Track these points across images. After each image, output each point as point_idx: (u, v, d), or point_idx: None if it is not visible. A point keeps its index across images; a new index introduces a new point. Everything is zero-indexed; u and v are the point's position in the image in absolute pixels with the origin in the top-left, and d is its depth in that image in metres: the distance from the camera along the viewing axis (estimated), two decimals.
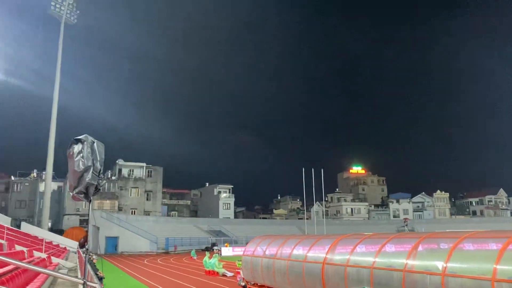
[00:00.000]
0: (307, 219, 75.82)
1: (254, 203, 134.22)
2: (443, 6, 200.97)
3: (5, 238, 23.20)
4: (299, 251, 15.44)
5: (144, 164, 78.92)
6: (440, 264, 9.50)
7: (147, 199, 77.73)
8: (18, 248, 22.21)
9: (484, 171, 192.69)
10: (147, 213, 75.81)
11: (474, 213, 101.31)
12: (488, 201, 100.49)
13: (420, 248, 10.88)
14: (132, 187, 76.30)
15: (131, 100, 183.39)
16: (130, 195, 75.83)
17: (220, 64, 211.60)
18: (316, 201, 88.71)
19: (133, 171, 77.71)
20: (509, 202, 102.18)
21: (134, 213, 73.70)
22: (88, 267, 8.14)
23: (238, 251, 44.06)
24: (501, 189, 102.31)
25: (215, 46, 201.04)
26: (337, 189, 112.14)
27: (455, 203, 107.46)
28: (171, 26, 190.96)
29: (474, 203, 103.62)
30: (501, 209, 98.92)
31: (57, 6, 57.16)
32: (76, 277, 5.00)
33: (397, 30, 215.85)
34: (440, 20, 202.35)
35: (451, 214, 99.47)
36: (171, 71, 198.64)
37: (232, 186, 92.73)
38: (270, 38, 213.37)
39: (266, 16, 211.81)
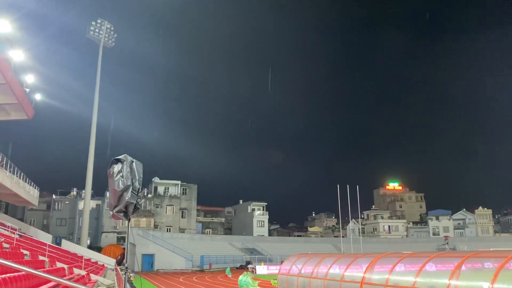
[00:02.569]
0: (342, 237, 74.45)
1: (289, 220, 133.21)
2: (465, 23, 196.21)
3: (46, 255, 23.90)
4: (335, 270, 15.13)
5: (179, 182, 79.94)
6: (485, 285, 9.07)
7: (182, 217, 78.49)
8: (59, 265, 22.82)
9: None
10: (182, 230, 76.46)
11: None
12: None
13: (463, 267, 10.44)
14: (167, 205, 77.31)
15: (166, 120, 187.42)
16: (166, 213, 76.78)
17: (252, 83, 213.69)
18: (351, 219, 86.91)
19: (168, 189, 78.81)
20: None
21: (169, 231, 74.47)
22: (127, 285, 8.26)
23: (273, 269, 43.65)
24: None
25: (246, 66, 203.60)
26: (373, 206, 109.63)
27: (498, 220, 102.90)
28: (205, 47, 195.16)
29: None
30: None
31: (96, 30, 59.58)
32: None
33: (431, 45, 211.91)
34: (469, 35, 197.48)
35: (495, 231, 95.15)
36: (204, 91, 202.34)
37: (266, 203, 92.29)
38: (301, 56, 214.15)
39: (297, 33, 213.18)
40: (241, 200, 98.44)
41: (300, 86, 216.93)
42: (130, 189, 5.81)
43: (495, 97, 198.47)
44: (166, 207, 77.07)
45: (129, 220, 6.22)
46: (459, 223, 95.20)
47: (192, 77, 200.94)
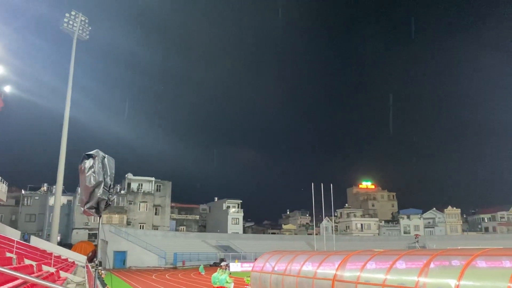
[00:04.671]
0: (316, 234, 75.18)
1: (263, 218, 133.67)
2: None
3: (14, 252, 23.26)
4: (308, 268, 15.27)
5: (153, 179, 79.12)
6: (452, 282, 9.33)
7: (155, 214, 77.71)
8: (27, 262, 22.24)
9: (496, 186, 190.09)
10: (155, 227, 75.71)
11: (487, 229, 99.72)
12: (501, 217, 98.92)
13: (432, 265, 10.70)
14: (140, 202, 76.40)
15: (140, 115, 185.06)
16: (139, 210, 75.88)
17: (229, 80, 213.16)
18: (325, 217, 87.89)
19: (141, 186, 77.90)
20: None
21: (143, 228, 73.65)
22: (97, 282, 8.11)
23: (247, 266, 43.74)
24: None
25: (223, 64, 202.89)
26: (346, 205, 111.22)
27: (467, 219, 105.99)
28: (184, 42, 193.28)
29: (486, 219, 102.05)
30: None
31: (70, 22, 58.12)
32: None
33: (406, 44, 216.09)
34: (445, 37, 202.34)
35: (463, 230, 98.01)
36: (179, 87, 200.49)
37: (241, 201, 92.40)
38: (278, 55, 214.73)
39: (275, 33, 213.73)
40: (216, 198, 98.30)
41: (276, 85, 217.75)
42: (102, 185, 5.70)
43: (467, 99, 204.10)
44: (139, 204, 76.15)
45: (100, 216, 6.11)
46: (429, 222, 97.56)
47: (169, 73, 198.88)
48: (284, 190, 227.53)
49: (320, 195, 63.91)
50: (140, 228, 73.18)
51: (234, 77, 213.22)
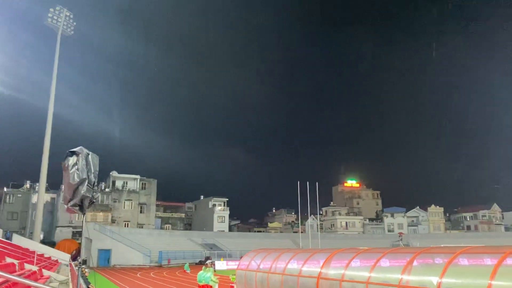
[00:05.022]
0: (301, 232, 75.57)
1: (249, 216, 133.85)
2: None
3: None
4: (293, 265, 15.34)
5: (138, 177, 78.59)
6: (435, 280, 9.46)
7: (140, 212, 77.22)
8: (8, 260, 21.87)
9: (478, 186, 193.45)
10: (140, 226, 75.23)
11: (469, 227, 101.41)
12: (482, 216, 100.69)
13: (415, 263, 10.84)
14: (125, 200, 75.83)
15: (126, 112, 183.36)
16: (124, 208, 75.29)
17: (216, 78, 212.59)
18: (311, 215, 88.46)
19: (127, 183, 77.32)
20: (502, 217, 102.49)
21: (127, 226, 73.13)
22: (80, 280, 8.03)
23: (232, 265, 43.75)
24: (495, 204, 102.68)
25: (208, 62, 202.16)
26: (331, 203, 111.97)
27: (449, 217, 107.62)
28: (172, 39, 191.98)
29: (468, 218, 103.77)
30: (495, 224, 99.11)
31: (54, 17, 57.23)
32: None
33: (390, 45, 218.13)
34: (430, 34, 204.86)
35: (446, 228, 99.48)
36: (166, 84, 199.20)
37: (227, 199, 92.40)
38: (265, 56, 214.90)
39: (260, 32, 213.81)
40: (202, 196, 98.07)
41: (263, 84, 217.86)
42: (86, 183, 5.64)
43: (450, 100, 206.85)
44: (124, 202, 75.57)
45: (84, 214, 6.05)
46: (413, 220, 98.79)
47: (156, 69, 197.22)
48: (270, 188, 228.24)
49: (305, 193, 64.28)
50: (125, 226, 72.66)
51: (221, 75, 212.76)
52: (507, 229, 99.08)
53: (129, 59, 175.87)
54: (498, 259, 8.63)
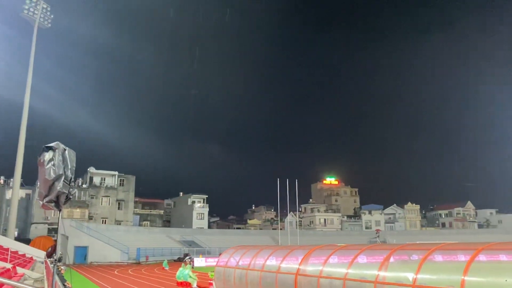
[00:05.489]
0: (281, 229, 75.91)
1: (229, 213, 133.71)
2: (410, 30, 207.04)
3: None
4: (272, 262, 15.41)
5: (116, 173, 77.61)
6: (410, 276, 9.64)
7: (118, 208, 76.32)
8: None
9: (453, 184, 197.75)
10: (118, 222, 74.35)
11: (444, 225, 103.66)
12: (457, 213, 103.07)
13: (391, 259, 11.02)
14: (103, 196, 74.82)
15: (105, 107, 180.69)
16: (101, 204, 74.28)
17: (196, 75, 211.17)
18: (290, 212, 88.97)
19: (104, 180, 76.28)
20: (476, 215, 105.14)
21: (105, 223, 72.19)
22: (56, 278, 7.88)
23: (211, 262, 43.65)
24: (469, 201, 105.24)
25: (187, 55, 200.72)
26: (310, 200, 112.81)
27: (425, 215, 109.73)
28: (152, 31, 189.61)
29: (443, 215, 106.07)
30: (468, 221, 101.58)
31: (30, 9, 55.88)
32: None
33: (370, 45, 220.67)
34: (403, 40, 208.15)
35: (422, 225, 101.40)
36: (146, 79, 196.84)
37: (207, 196, 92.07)
38: (243, 50, 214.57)
39: (238, 29, 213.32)
40: (181, 193, 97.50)
41: (243, 82, 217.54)
42: (62, 179, 5.53)
43: (426, 100, 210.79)
44: (102, 198, 74.57)
45: (60, 210, 5.94)
46: (390, 217, 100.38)
47: (135, 63, 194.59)
48: (250, 185, 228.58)
49: (285, 190, 64.72)
50: (103, 223, 71.71)
51: (202, 72, 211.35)
52: (480, 226, 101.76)
53: (108, 52, 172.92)
54: (471, 255, 8.85)
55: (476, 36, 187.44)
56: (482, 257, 9.07)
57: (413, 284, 9.38)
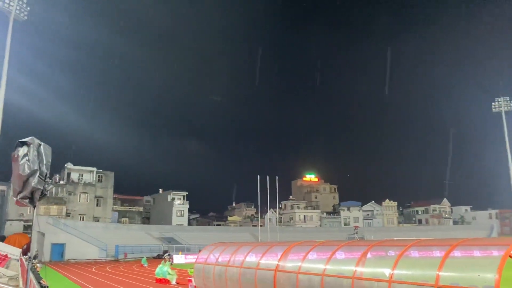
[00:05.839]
0: (261, 226, 76.11)
1: (209, 210, 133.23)
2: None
3: None
4: (251, 258, 15.43)
5: (95, 169, 76.49)
6: (387, 271, 9.80)
7: (97, 205, 75.26)
8: None
9: (430, 182, 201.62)
10: (96, 219, 73.35)
11: (420, 221, 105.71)
12: (433, 210, 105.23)
13: (369, 255, 11.18)
14: (81, 192, 73.66)
15: (82, 102, 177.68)
16: (79, 201, 73.13)
17: (176, 70, 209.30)
18: (270, 208, 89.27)
19: (82, 176, 75.11)
20: (451, 212, 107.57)
21: (83, 219, 71.15)
22: (31, 275, 7.74)
23: (191, 258, 43.49)
24: (445, 199, 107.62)
25: (165, 51, 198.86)
26: (291, 197, 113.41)
27: (402, 212, 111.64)
28: (130, 24, 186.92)
29: (420, 212, 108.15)
30: (444, 218, 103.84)
31: (6, 1, 54.37)
32: (17, 286, 4.75)
33: (352, 44, 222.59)
34: (388, 39, 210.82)
35: (399, 222, 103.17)
36: (124, 74, 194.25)
37: (187, 193, 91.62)
38: (224, 47, 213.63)
39: (225, 25, 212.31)
40: (161, 189, 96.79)
41: (223, 79, 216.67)
42: (37, 174, 5.41)
43: (404, 98, 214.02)
44: (80, 195, 73.41)
45: (35, 207, 5.81)
46: (368, 214, 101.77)
47: (114, 57, 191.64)
48: (230, 182, 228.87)
49: (265, 187, 64.92)
50: (80, 219, 70.66)
51: (182, 67, 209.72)
52: (455, 222, 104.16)
53: (87, 45, 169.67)
54: (445, 251, 9.05)
55: (456, 36, 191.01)
56: (456, 253, 9.28)
57: (389, 280, 9.54)
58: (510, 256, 7.80)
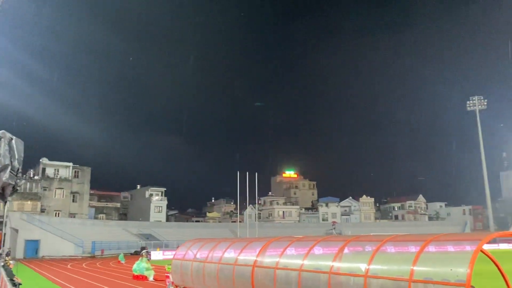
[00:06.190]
0: (240, 222, 76.15)
1: (188, 206, 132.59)
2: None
3: None
4: (230, 254, 15.40)
5: (71, 164, 75.15)
6: (363, 266, 9.91)
7: (73, 201, 74.01)
8: None
9: (406, 178, 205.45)
10: (72, 215, 72.12)
11: (396, 217, 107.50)
12: (409, 206, 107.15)
13: (346, 250, 11.28)
14: (57, 188, 72.28)
15: (59, 96, 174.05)
16: (55, 196, 71.75)
17: (155, 65, 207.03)
18: (249, 204, 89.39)
19: (58, 171, 73.70)
20: (427, 208, 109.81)
21: (58, 215, 69.85)
22: (3, 273, 7.54)
23: (169, 254, 43.23)
24: (420, 195, 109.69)
25: (150, 47, 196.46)
26: (270, 193, 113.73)
27: (379, 207, 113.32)
28: (112, 16, 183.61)
29: (396, 208, 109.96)
30: (420, 214, 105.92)
31: None
32: None
33: (329, 39, 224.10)
34: (362, 35, 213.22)
35: (376, 218, 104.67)
36: (103, 68, 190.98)
37: (165, 189, 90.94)
38: (201, 43, 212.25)
39: (203, 20, 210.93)
40: (138, 185, 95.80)
41: (203, 75, 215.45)
42: (8, 169, 5.25)
43: (380, 96, 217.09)
44: (55, 190, 72.04)
45: (6, 202, 5.65)
46: (346, 210, 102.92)
47: (95, 50, 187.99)
48: (209, 178, 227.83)
49: (245, 183, 64.97)
50: (56, 215, 69.37)
51: (160, 62, 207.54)
52: (430, 218, 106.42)
53: (69, 37, 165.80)
54: (420, 246, 9.21)
55: (432, 35, 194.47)
56: (431, 248, 9.44)
57: (365, 274, 9.66)
58: (481, 251, 7.99)
